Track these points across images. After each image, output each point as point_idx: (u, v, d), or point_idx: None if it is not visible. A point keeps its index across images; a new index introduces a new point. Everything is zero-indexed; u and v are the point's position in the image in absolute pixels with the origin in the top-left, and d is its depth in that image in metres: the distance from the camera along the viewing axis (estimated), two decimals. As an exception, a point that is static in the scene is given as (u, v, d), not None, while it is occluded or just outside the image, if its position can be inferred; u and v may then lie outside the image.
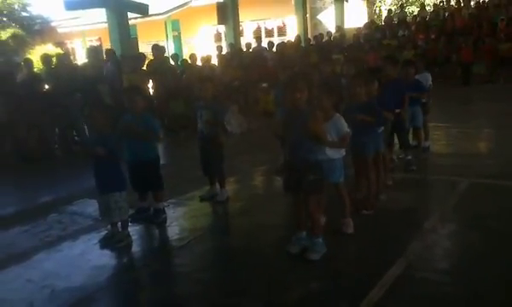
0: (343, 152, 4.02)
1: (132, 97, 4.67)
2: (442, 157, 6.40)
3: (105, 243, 4.32)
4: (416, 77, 6.13)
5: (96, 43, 19.66)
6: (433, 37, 14.34)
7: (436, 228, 4.10)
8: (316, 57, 10.84)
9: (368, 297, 3.07)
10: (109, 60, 10.07)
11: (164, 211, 4.87)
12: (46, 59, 9.62)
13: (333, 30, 16.68)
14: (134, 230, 4.54)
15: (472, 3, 16.68)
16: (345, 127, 3.84)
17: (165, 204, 5.02)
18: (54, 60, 9.75)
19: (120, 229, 4.35)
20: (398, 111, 5.34)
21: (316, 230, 3.71)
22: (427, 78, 6.43)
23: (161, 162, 5.01)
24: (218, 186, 5.32)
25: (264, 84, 10.01)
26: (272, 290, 3.33)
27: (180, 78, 10.83)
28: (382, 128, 4.71)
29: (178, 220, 4.95)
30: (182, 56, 13.94)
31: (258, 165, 6.69)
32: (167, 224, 4.77)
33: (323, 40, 14.51)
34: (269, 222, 4.61)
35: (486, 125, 8.00)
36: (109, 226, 4.39)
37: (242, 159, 6.87)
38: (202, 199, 5.33)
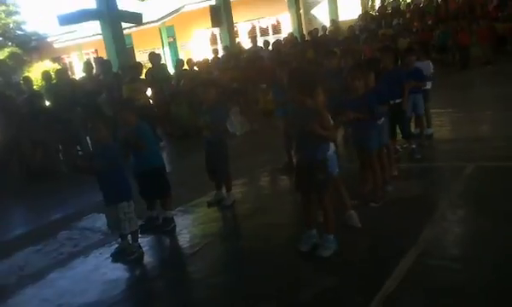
0: (333, 146, 4.01)
1: (121, 115, 4.67)
2: (446, 143, 6.38)
3: (117, 257, 4.33)
4: (418, 65, 6.12)
5: (92, 56, 19.72)
6: (429, 23, 14.30)
7: (445, 214, 4.11)
8: (312, 53, 10.84)
9: (382, 290, 3.08)
10: (104, 71, 10.11)
11: (173, 220, 4.89)
12: (46, 75, 9.69)
13: (328, 24, 16.65)
14: (144, 241, 4.57)
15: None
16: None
17: (174, 212, 5.05)
18: (53, 76, 9.82)
19: (130, 241, 4.37)
20: (398, 101, 5.35)
21: (329, 227, 3.72)
22: (428, 66, 6.40)
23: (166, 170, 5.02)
24: (224, 190, 5.34)
25: (263, 85, 10.02)
26: (287, 290, 3.34)
27: (177, 84, 10.86)
28: (383, 119, 4.71)
29: (188, 227, 4.97)
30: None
31: (263, 165, 6.69)
32: (177, 232, 4.79)
33: (319, 35, 14.49)
34: (278, 221, 4.62)
35: (488, 108, 7.97)
36: (119, 239, 4.41)
37: (246, 161, 6.87)
38: (210, 205, 5.34)
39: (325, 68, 6.26)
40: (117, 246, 4.43)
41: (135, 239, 4.38)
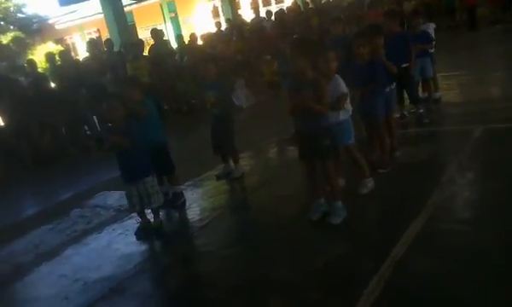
0: (349, 112, 3.96)
1: (125, 91, 4.55)
2: (454, 106, 6.31)
3: (140, 234, 4.31)
4: (422, 27, 6.02)
5: (94, 36, 19.61)
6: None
7: (454, 178, 4.07)
8: (317, 20, 10.67)
9: (391, 255, 3.09)
10: (109, 50, 10.09)
11: (182, 194, 4.93)
12: (50, 57, 9.67)
13: (331, -10, 16.30)
14: (156, 216, 4.62)
15: None
16: (342, 88, 3.80)
17: (183, 186, 5.09)
18: (57, 57, 9.81)
19: (153, 218, 4.35)
20: (405, 65, 5.27)
21: (335, 194, 3.74)
22: (431, 28, 6.29)
23: (172, 146, 5.03)
24: (231, 163, 5.35)
25: (268, 57, 9.92)
26: (298, 259, 3.38)
27: (181, 60, 10.79)
28: (393, 86, 4.65)
29: (197, 201, 5.02)
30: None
31: (270, 136, 6.68)
32: (187, 206, 4.84)
33: (322, 1, 14.23)
34: (286, 192, 4.64)
35: (496, 69, 7.83)
36: (132, 214, 4.45)
37: (253, 133, 6.88)
38: (218, 178, 5.37)
39: (331, 35, 6.15)
40: (138, 224, 4.38)
41: (158, 214, 4.36)
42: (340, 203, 3.74)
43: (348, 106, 3.92)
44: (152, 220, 4.37)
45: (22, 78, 9.27)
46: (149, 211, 4.34)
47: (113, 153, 4.15)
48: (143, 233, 4.31)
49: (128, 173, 4.17)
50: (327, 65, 3.76)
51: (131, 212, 4.46)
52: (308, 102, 3.46)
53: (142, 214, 4.36)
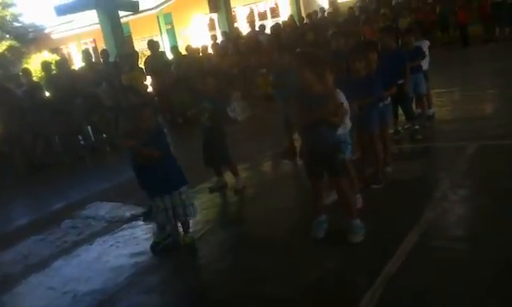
0: (348, 126, 3.96)
1: (127, 97, 4.41)
2: (448, 123, 6.34)
3: (158, 249, 4.13)
4: (416, 44, 6.07)
5: (90, 46, 19.65)
6: (430, 1, 14.14)
7: (447, 195, 4.07)
8: (312, 35, 10.75)
9: (384, 271, 3.07)
10: (104, 61, 10.09)
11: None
12: (46, 66, 9.65)
13: (326, 6, 16.48)
14: (148, 228, 4.58)
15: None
16: (342, 99, 3.77)
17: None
18: (53, 66, 9.79)
19: (183, 232, 4.16)
20: (400, 82, 5.31)
21: (352, 213, 3.61)
22: (425, 45, 6.35)
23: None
24: (226, 176, 5.32)
25: (263, 70, 9.97)
26: (290, 273, 3.34)
27: (177, 72, 10.80)
28: (388, 101, 4.67)
29: (191, 213, 4.97)
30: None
31: (265, 149, 6.67)
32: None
33: (318, 17, 14.36)
34: (281, 206, 4.61)
35: (489, 86, 7.90)
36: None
37: (248, 145, 6.87)
38: (212, 191, 5.34)
39: (331, 49, 6.19)
40: (167, 242, 4.20)
41: (189, 228, 4.14)
42: (358, 221, 3.60)
43: (347, 120, 3.91)
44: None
45: (14, 87, 9.21)
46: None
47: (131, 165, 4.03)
48: (162, 248, 4.12)
49: (161, 184, 3.89)
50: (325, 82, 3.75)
51: (166, 228, 4.19)
52: (326, 117, 3.37)
53: (164, 229, 4.14)
